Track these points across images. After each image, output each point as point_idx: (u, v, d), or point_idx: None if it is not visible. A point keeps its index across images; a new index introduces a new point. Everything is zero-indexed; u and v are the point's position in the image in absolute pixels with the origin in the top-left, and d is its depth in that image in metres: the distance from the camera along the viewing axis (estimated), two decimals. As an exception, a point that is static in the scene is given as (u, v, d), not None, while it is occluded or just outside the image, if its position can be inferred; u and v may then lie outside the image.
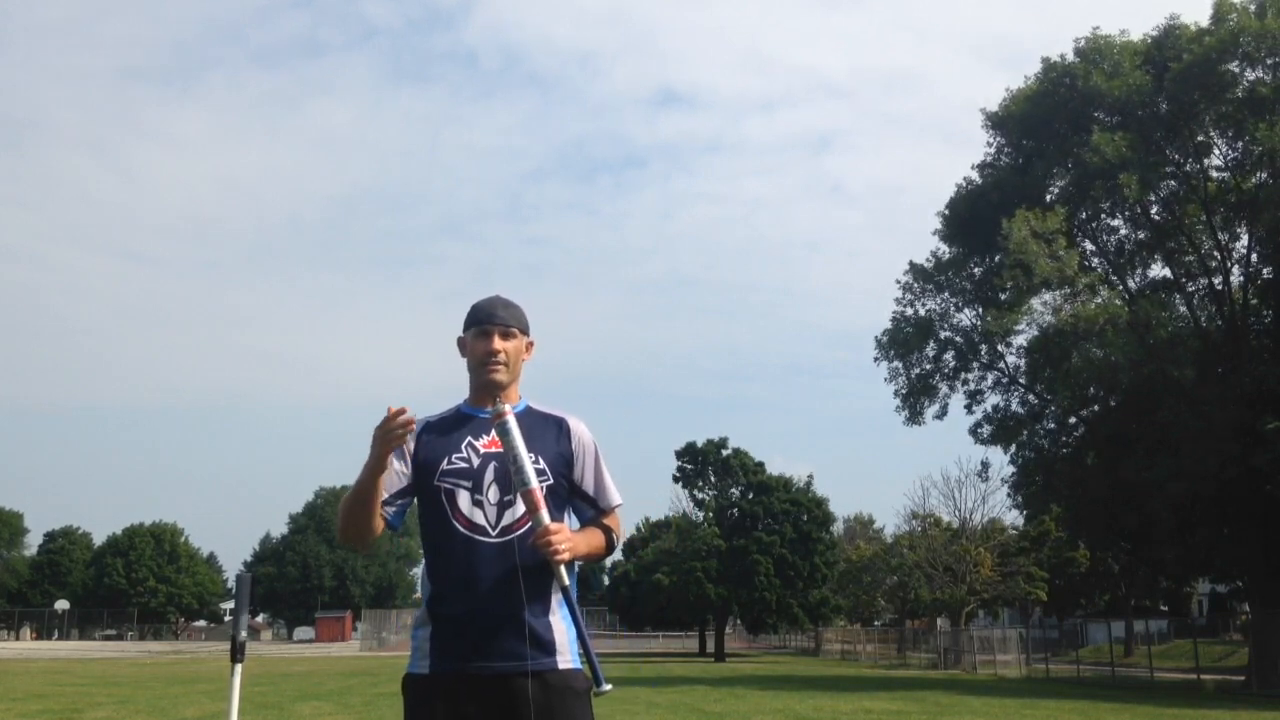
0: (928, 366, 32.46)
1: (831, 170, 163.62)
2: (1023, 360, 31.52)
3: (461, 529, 2.59)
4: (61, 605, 77.13)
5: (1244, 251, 29.13)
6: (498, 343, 2.72)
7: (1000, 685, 26.92)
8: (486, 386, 2.72)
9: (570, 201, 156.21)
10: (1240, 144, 28.02)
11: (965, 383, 32.48)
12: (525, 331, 2.79)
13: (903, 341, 31.97)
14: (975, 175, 32.37)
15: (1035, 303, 28.28)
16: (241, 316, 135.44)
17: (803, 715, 15.53)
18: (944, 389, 32.48)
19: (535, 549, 2.51)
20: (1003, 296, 29.02)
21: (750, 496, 48.88)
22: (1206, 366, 27.28)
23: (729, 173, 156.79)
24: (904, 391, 32.44)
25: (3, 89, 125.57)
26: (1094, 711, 17.67)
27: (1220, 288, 29.17)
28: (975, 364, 32.46)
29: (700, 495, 49.24)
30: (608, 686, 2.51)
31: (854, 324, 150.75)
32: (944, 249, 32.61)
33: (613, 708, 15.65)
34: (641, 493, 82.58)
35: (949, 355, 32.35)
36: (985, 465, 45.70)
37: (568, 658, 2.58)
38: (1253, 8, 26.70)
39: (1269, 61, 26.48)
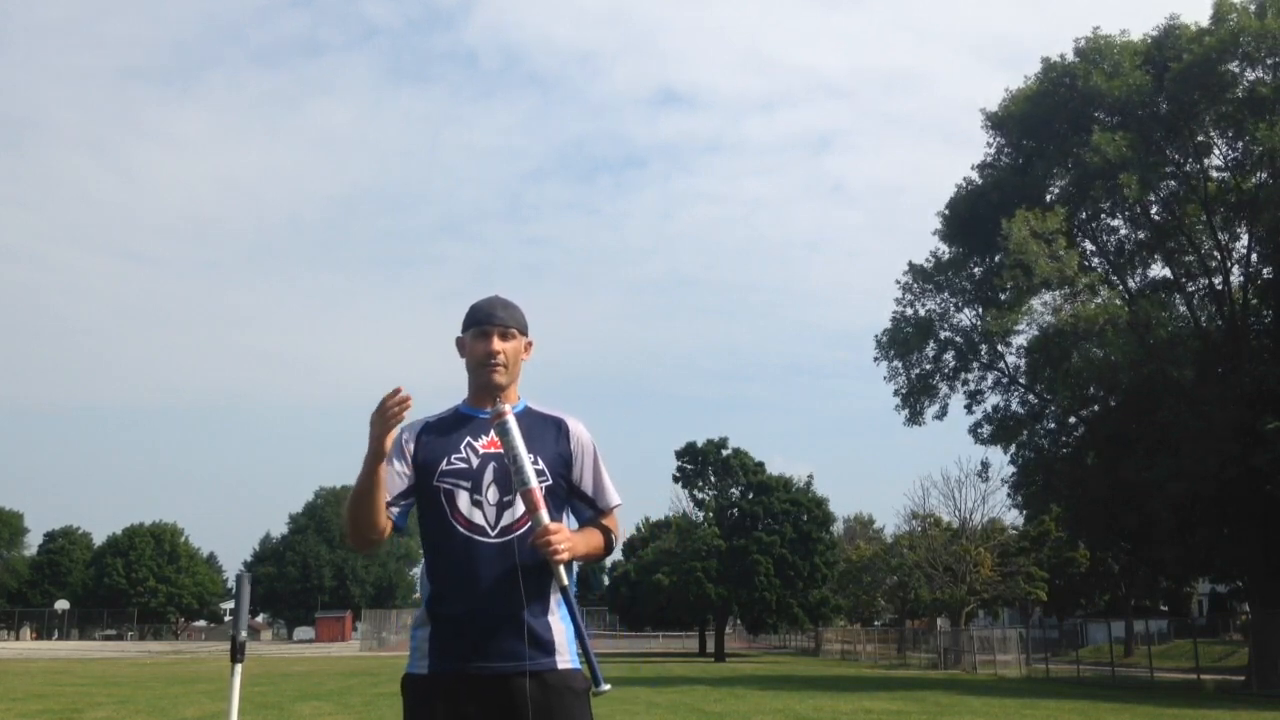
0: (928, 366, 32.48)
1: (831, 170, 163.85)
2: (1023, 360, 31.55)
3: (461, 529, 2.59)
4: (61, 605, 77.13)
5: (1244, 251, 29.16)
6: (497, 343, 2.72)
7: (1000, 685, 26.92)
8: (486, 387, 2.72)
9: (570, 201, 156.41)
10: (1240, 144, 28.02)
11: (965, 383, 32.51)
12: (524, 332, 2.79)
13: (903, 341, 31.97)
14: (975, 175, 32.40)
15: (1035, 303, 28.31)
16: (241, 316, 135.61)
17: (803, 715, 15.53)
18: (944, 389, 32.52)
19: (534, 549, 2.52)
20: (1003, 296, 29.02)
21: (750, 496, 48.88)
22: (1206, 366, 27.28)
23: (729, 173, 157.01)
24: (904, 391, 32.46)
25: (3, 89, 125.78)
26: (1094, 711, 17.67)
27: (1220, 288, 29.17)
28: (975, 364, 32.47)
29: (700, 495, 49.27)
30: (606, 687, 2.52)
31: (854, 324, 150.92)
32: (944, 249, 32.65)
33: (613, 708, 15.65)
34: (641, 493, 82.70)
35: (949, 355, 32.36)
36: (985, 465, 45.65)
37: (567, 658, 2.58)
38: (1253, 8, 26.69)
39: (1269, 61, 26.48)
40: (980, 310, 31.04)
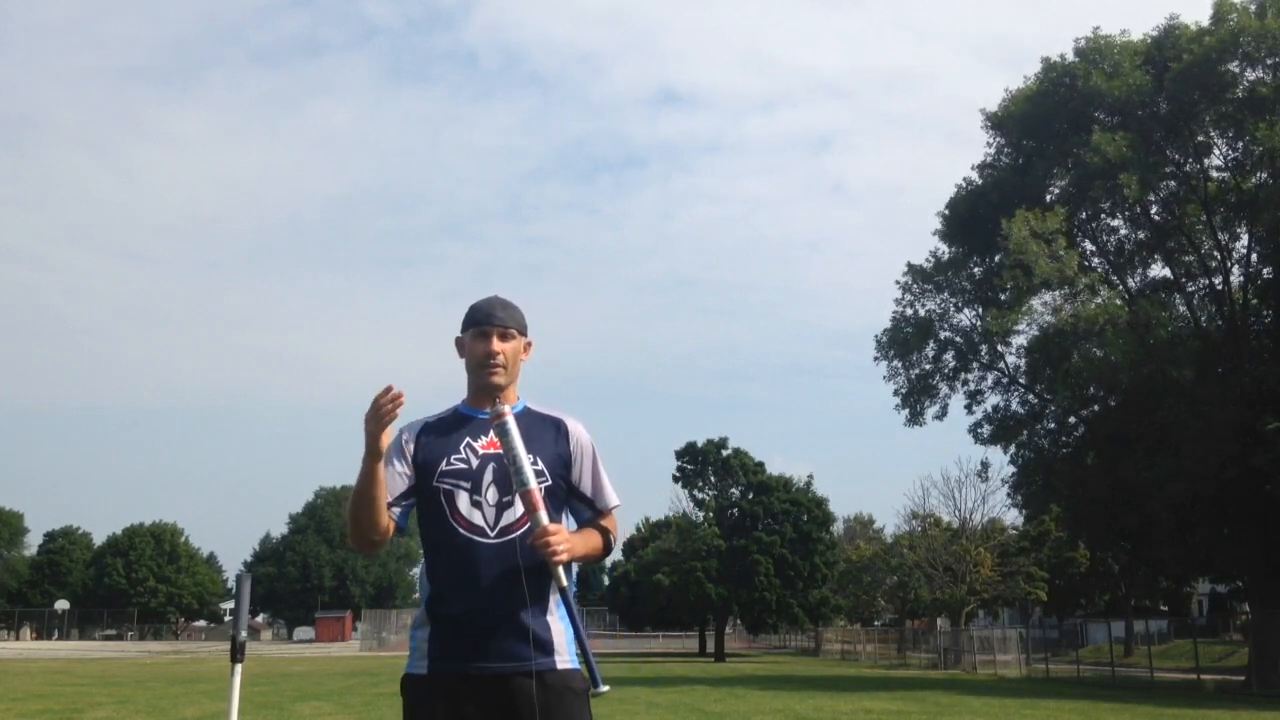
0: (927, 367, 32.48)
1: (831, 170, 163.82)
2: (1023, 360, 31.56)
3: (460, 530, 2.60)
4: (61, 605, 77.13)
5: (1244, 251, 29.15)
6: (496, 344, 2.72)
7: (1000, 685, 26.92)
8: (485, 388, 2.73)
9: (570, 201, 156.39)
10: (1240, 144, 28.02)
11: (965, 383, 32.51)
12: (524, 332, 2.79)
13: (902, 341, 31.97)
14: (975, 175, 32.41)
15: (1035, 303, 28.32)
16: (241, 316, 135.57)
17: (803, 715, 15.53)
18: (944, 389, 32.52)
19: (534, 550, 2.52)
20: (1003, 296, 29.03)
21: (750, 496, 48.88)
22: (1206, 366, 27.27)
23: (729, 173, 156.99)
24: (904, 391, 32.46)
25: (3, 89, 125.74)
26: (1094, 711, 17.67)
27: (1220, 288, 29.17)
28: (975, 364, 32.47)
29: (700, 495, 49.26)
30: (605, 688, 2.52)
31: (854, 324, 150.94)
32: (944, 249, 32.66)
33: (613, 708, 15.66)
34: (641, 493, 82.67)
35: (949, 355, 32.37)
36: (985, 465, 45.51)
37: (566, 658, 2.59)
38: (1253, 8, 26.69)
39: (1269, 61, 26.47)
40: (980, 310, 31.04)
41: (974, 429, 32.18)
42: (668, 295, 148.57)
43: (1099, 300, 27.29)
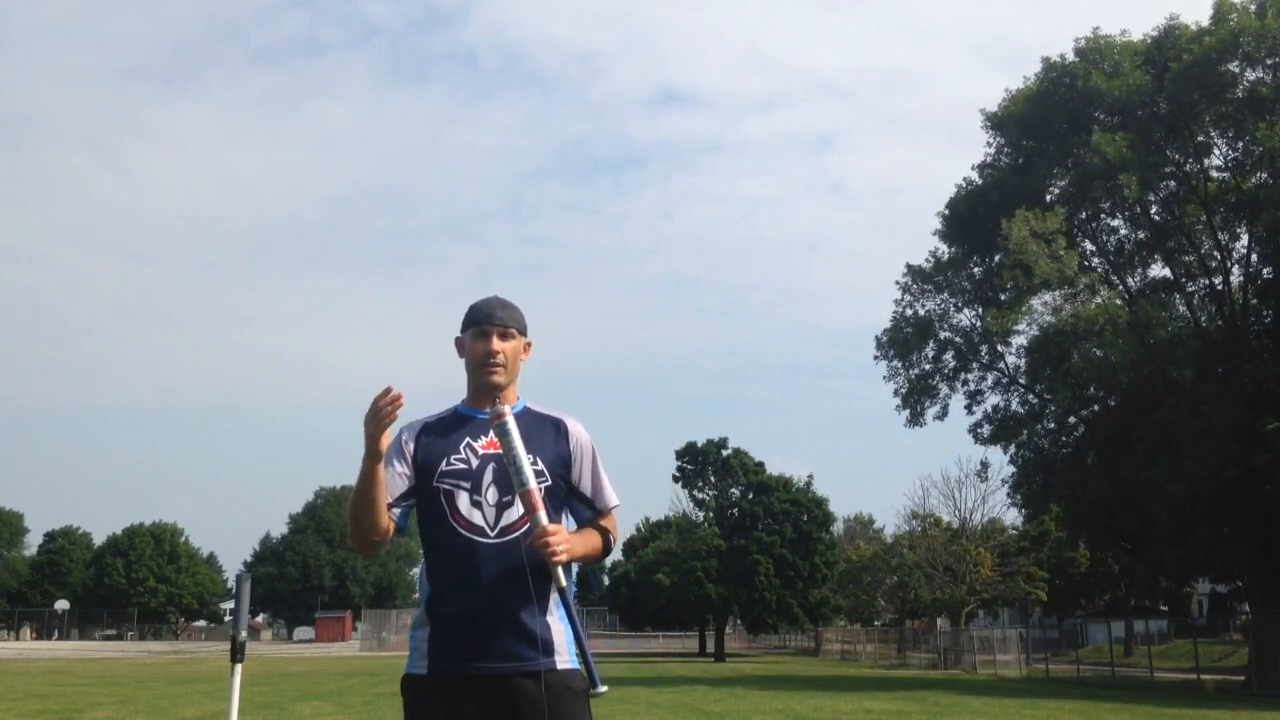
0: (927, 367, 32.48)
1: (831, 170, 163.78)
2: (1023, 360, 31.56)
3: (460, 530, 2.60)
4: (61, 605, 77.14)
5: (1244, 251, 29.16)
6: (496, 344, 2.72)
7: (1000, 685, 26.92)
8: (485, 388, 2.73)
9: (570, 201, 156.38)
10: (1240, 144, 28.01)
11: (965, 383, 32.51)
12: (523, 332, 2.79)
13: (902, 341, 31.98)
14: (975, 175, 32.42)
15: (1035, 303, 28.34)
16: (241, 316, 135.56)
17: (803, 715, 15.53)
18: (944, 389, 32.52)
19: (533, 550, 2.52)
20: (1002, 296, 29.03)
21: (750, 496, 48.88)
22: (1206, 366, 27.27)
23: (729, 173, 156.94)
24: (904, 391, 32.46)
25: (3, 89, 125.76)
26: (1094, 711, 17.67)
27: (1220, 288, 29.17)
28: (975, 364, 32.47)
29: (700, 495, 49.25)
30: (603, 688, 2.52)
31: (854, 324, 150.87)
32: (944, 249, 32.66)
33: (613, 708, 15.66)
34: (641, 493, 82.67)
35: (949, 355, 32.37)
36: (985, 465, 45.63)
37: (566, 658, 2.59)
38: (1253, 8, 26.69)
39: (1269, 61, 26.47)
40: (980, 310, 31.04)
41: (974, 429, 32.22)
42: (668, 295, 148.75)
43: (1099, 300, 27.29)
